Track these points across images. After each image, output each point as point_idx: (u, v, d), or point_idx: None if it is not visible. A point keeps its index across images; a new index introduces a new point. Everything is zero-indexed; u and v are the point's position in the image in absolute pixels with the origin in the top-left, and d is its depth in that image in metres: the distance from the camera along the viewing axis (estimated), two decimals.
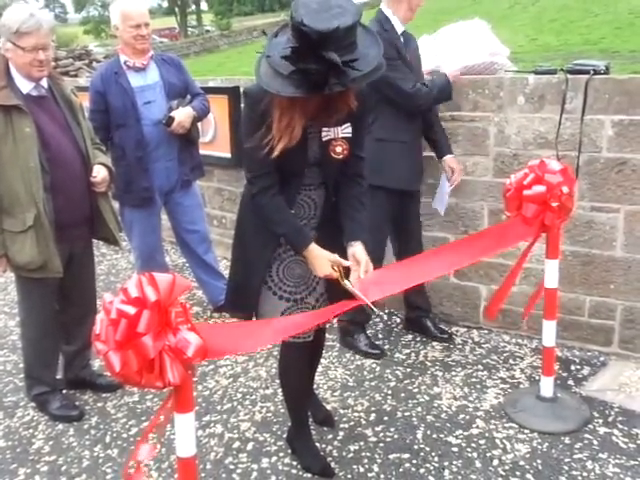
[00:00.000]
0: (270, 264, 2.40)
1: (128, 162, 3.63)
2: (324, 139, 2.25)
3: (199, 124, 3.93)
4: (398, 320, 3.96)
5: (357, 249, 2.28)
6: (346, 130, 2.26)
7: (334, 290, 2.38)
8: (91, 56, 19.12)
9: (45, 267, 2.91)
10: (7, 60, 2.84)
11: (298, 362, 2.57)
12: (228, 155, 4.80)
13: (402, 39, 3.31)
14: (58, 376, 3.30)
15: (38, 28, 2.77)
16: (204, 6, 58.44)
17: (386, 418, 2.99)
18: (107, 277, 5.04)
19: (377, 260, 3.65)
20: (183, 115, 3.62)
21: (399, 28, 3.30)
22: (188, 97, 3.75)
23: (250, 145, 2.21)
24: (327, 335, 3.73)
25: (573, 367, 3.31)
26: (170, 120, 3.58)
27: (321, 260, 2.25)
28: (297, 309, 2.44)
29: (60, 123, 2.94)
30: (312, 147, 2.26)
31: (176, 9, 56.60)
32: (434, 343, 3.65)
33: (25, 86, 2.86)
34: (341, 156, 2.27)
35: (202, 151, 4.09)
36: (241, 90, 4.35)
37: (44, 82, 2.92)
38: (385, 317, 4.01)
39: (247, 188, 2.43)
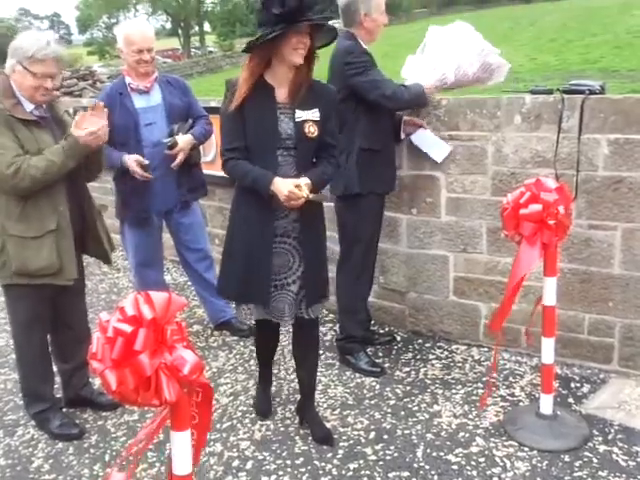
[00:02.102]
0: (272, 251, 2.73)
1: (129, 181, 3.68)
2: (297, 120, 2.66)
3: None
4: (398, 338, 3.96)
5: (302, 178, 2.64)
6: (315, 114, 2.68)
7: (310, 283, 2.79)
8: (95, 77, 19.35)
9: (61, 272, 2.93)
10: (9, 80, 2.89)
11: (264, 334, 3.07)
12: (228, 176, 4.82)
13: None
14: (58, 395, 3.31)
15: (53, 58, 2.84)
16: (207, 27, 59.02)
17: (386, 436, 2.99)
18: (108, 295, 5.06)
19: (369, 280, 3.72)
20: (184, 143, 3.66)
21: (369, 49, 3.42)
22: (190, 121, 3.77)
23: (226, 123, 2.71)
24: (327, 353, 3.77)
25: (573, 385, 3.31)
26: (174, 144, 3.61)
27: (285, 183, 2.59)
28: (278, 294, 2.78)
29: (58, 142, 2.96)
30: (283, 125, 2.65)
31: (179, 30, 57.25)
32: (434, 361, 3.65)
33: (28, 106, 2.91)
34: (313, 135, 2.67)
35: (204, 170, 4.12)
36: None
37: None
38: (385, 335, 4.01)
39: (235, 190, 2.85)
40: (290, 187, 2.57)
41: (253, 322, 3.07)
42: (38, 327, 3.09)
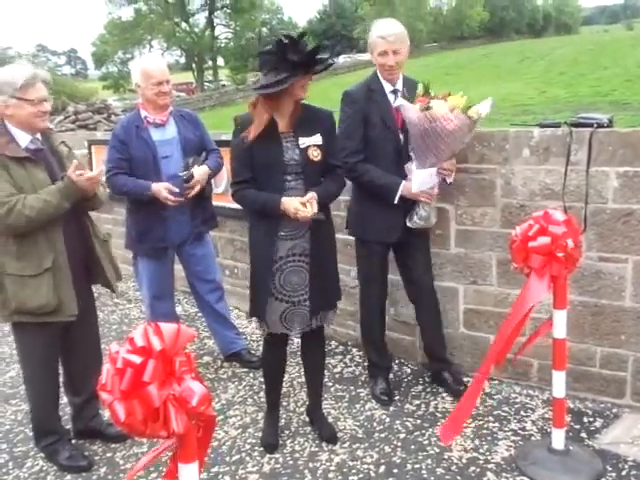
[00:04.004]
0: (273, 276, 2.96)
1: (145, 213, 3.72)
2: (302, 146, 2.91)
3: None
4: (408, 371, 3.94)
5: (309, 193, 2.89)
6: (317, 139, 2.94)
7: (314, 291, 3.01)
8: (110, 110, 19.64)
9: (60, 310, 2.94)
10: (2, 119, 2.91)
11: (272, 353, 3.22)
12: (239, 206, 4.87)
13: (393, 95, 3.44)
14: (67, 426, 3.31)
15: (42, 80, 2.91)
16: (220, 62, 59.89)
17: (396, 470, 2.96)
18: (119, 326, 5.07)
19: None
20: (199, 175, 3.71)
21: (387, 86, 3.44)
22: (204, 154, 3.83)
23: (234, 160, 2.96)
24: (337, 386, 3.76)
25: (585, 419, 3.26)
26: (190, 177, 3.67)
27: (293, 201, 2.84)
28: (295, 309, 3.00)
29: (55, 173, 2.99)
30: (289, 152, 2.90)
31: (193, 65, 58.18)
32: (444, 394, 3.62)
33: (23, 141, 2.93)
34: (317, 158, 2.92)
35: (215, 202, 4.17)
36: None
37: (38, 135, 3.00)
38: (395, 367, 3.99)
39: (250, 223, 3.09)
40: (296, 204, 2.83)
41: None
42: (47, 362, 3.09)
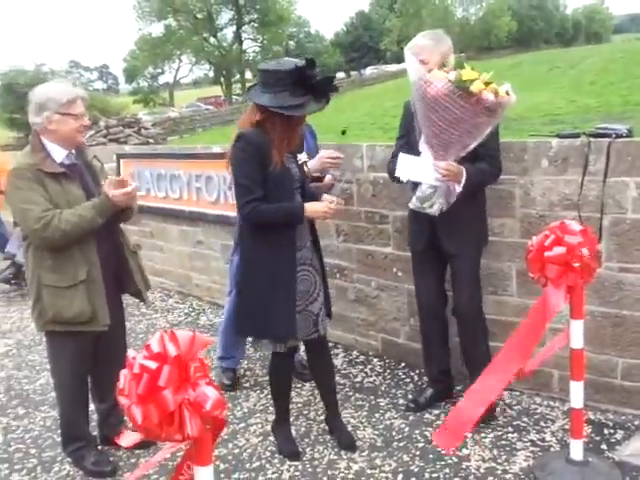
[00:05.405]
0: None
1: None
2: (300, 162, 3.08)
3: None
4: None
5: (325, 195, 3.11)
6: (305, 156, 3.23)
7: (327, 300, 3.19)
8: (140, 124, 20.00)
9: (94, 319, 3.03)
10: (38, 136, 3.03)
11: (282, 367, 3.23)
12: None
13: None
14: (94, 432, 3.40)
15: (81, 97, 3.04)
16: (248, 75, 60.51)
17: (413, 479, 2.98)
18: (145, 335, 5.16)
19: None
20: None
21: None
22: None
23: (245, 178, 2.90)
24: (357, 395, 3.79)
25: (606, 431, 3.24)
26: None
27: (318, 205, 2.98)
28: (299, 315, 3.03)
29: (89, 187, 3.10)
30: (291, 168, 3.00)
31: (222, 79, 58.89)
32: None
33: (59, 156, 3.04)
34: (308, 173, 3.16)
35: None
36: None
37: (72, 150, 3.10)
38: (415, 377, 4.02)
39: (248, 235, 3.07)
40: (324, 204, 2.98)
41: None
42: (77, 370, 3.17)
